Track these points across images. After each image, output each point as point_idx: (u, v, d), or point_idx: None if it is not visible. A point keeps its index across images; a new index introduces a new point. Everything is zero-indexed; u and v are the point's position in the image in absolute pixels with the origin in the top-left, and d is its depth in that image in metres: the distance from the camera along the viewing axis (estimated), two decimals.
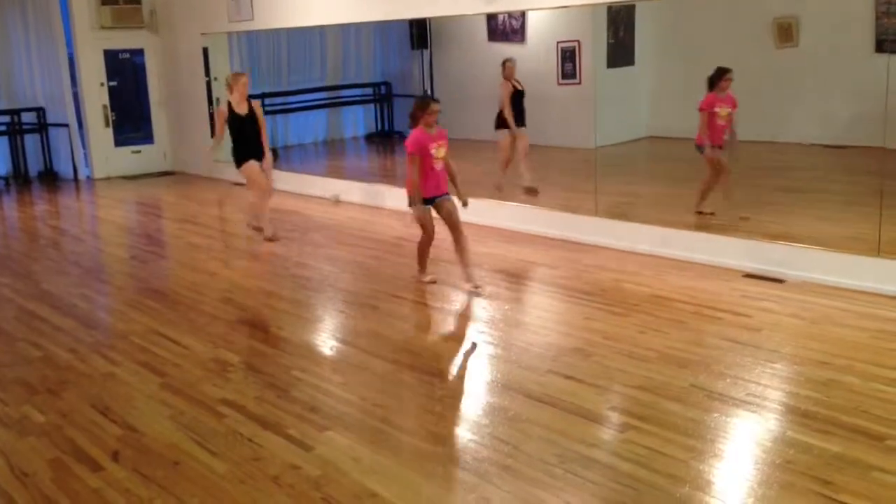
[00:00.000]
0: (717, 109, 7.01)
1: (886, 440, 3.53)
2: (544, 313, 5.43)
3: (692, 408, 3.91)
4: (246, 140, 7.52)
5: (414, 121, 5.80)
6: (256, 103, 7.68)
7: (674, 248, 6.52)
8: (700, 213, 7.18)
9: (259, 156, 7.60)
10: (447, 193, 5.91)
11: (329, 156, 12.84)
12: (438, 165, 5.80)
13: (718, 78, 7.01)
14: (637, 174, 9.67)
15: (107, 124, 12.14)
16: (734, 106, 7.04)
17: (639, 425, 3.77)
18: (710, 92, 7.06)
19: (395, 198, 9.05)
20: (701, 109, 7.05)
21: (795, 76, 8.35)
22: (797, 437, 3.59)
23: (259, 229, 7.73)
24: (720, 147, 7.10)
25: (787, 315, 5.16)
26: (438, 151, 5.78)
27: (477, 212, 7.95)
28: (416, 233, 6.02)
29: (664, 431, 3.68)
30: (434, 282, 6.06)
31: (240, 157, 7.55)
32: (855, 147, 6.56)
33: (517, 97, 8.43)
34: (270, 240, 7.61)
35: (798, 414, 3.83)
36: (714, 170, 7.14)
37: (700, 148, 7.08)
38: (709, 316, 5.19)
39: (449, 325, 5.36)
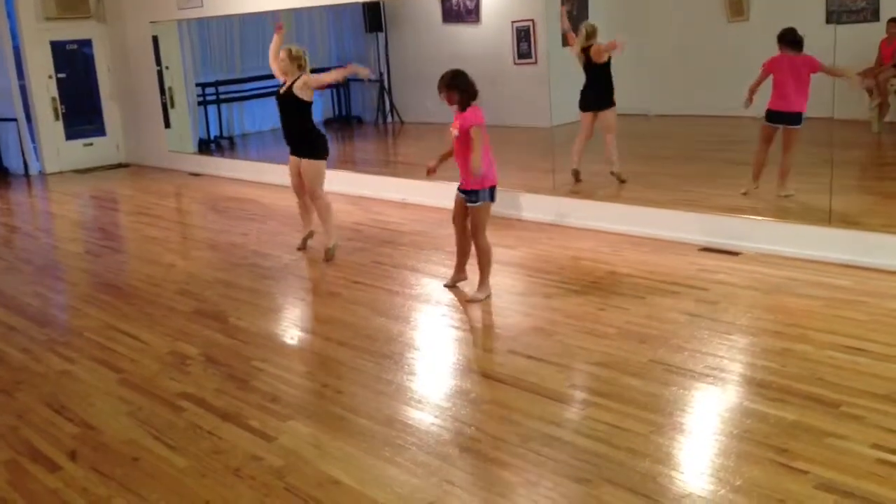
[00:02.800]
0: None
1: (840, 406, 3.59)
2: (504, 294, 5.44)
3: (651, 382, 3.95)
4: (285, 127, 6.50)
5: (471, 97, 5.07)
6: (302, 80, 6.22)
7: (630, 224, 6.57)
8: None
9: (296, 150, 6.48)
10: None
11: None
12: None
13: None
14: (592, 152, 9.69)
15: (56, 117, 11.89)
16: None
17: (599, 402, 3.80)
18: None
19: (354, 183, 9.00)
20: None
21: (746, 50, 8.42)
22: (754, 407, 3.65)
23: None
24: None
25: (742, 287, 5.23)
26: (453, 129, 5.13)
27: (434, 193, 7.95)
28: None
29: (624, 407, 3.72)
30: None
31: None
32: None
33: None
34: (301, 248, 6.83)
35: (754, 384, 3.89)
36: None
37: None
38: (666, 290, 5.24)
39: (409, 310, 5.34)
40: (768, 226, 6.00)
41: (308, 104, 6.33)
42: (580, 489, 3.10)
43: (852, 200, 6.54)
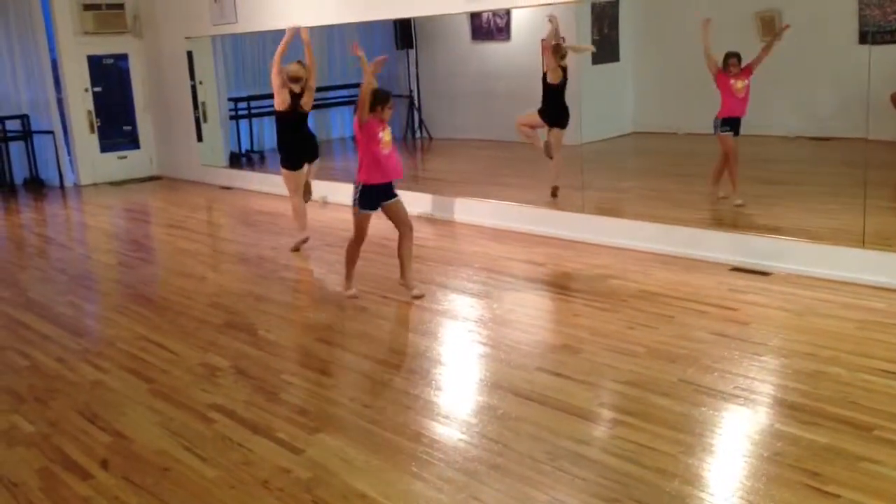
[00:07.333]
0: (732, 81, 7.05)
1: (874, 430, 3.55)
2: (532, 311, 5.44)
3: (681, 402, 3.93)
4: (297, 141, 7.15)
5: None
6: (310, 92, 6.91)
7: (660, 242, 6.54)
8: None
9: (309, 157, 7.30)
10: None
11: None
12: (386, 150, 5.50)
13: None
14: (622, 170, 9.70)
15: (92, 130, 12.10)
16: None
17: (628, 421, 3.78)
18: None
19: None
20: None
21: (779, 69, 8.39)
22: (785, 430, 3.61)
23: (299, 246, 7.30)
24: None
25: (773, 307, 5.18)
26: (386, 134, 5.46)
27: (462, 210, 7.98)
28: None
29: (653, 426, 3.70)
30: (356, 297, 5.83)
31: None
32: (838, 139, 6.59)
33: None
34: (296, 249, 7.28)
35: (785, 406, 3.85)
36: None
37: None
38: (696, 310, 5.21)
39: (437, 325, 5.36)
40: (800, 246, 5.94)
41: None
42: None
43: (886, 222, 6.46)
